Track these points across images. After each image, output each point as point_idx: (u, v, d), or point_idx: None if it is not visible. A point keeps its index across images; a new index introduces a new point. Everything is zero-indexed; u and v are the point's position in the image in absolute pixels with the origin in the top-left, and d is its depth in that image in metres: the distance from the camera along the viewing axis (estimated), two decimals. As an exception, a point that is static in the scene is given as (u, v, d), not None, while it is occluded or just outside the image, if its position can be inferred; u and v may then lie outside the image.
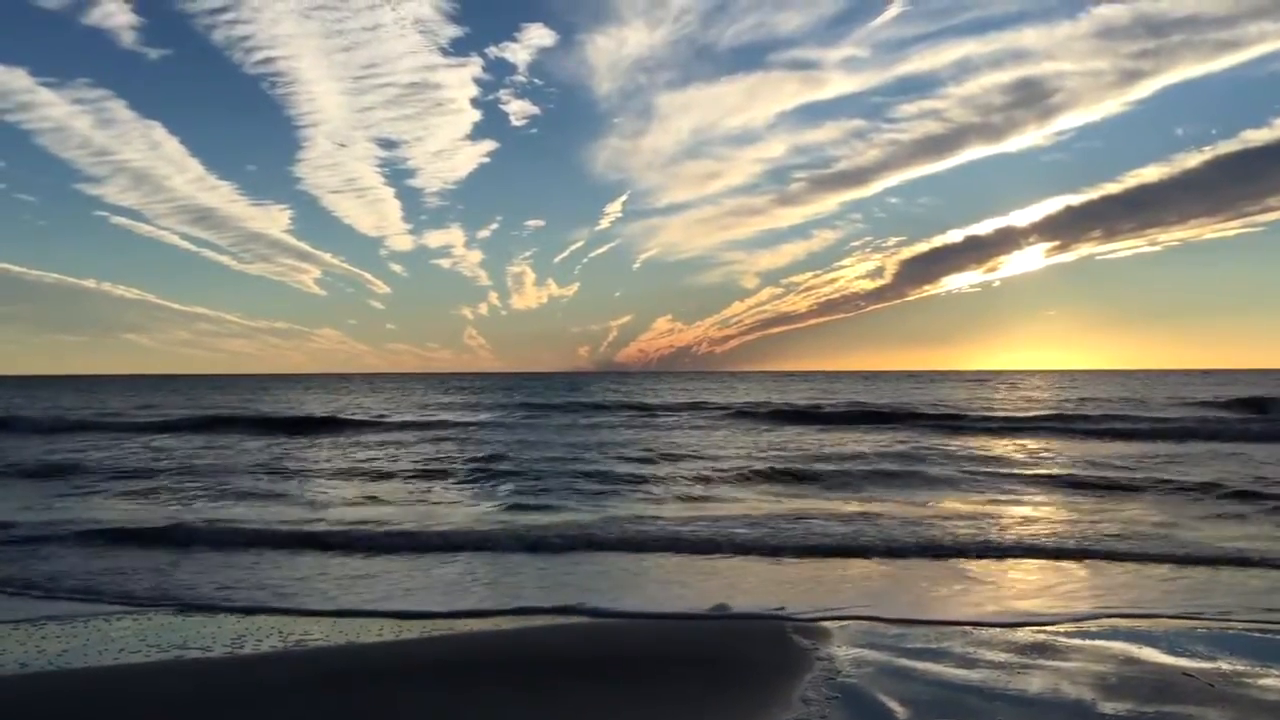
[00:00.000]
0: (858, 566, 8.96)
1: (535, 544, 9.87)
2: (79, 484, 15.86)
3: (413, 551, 9.67)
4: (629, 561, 9.23)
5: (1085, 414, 31.67)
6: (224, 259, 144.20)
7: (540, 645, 6.29)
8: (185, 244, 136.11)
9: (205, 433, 27.99)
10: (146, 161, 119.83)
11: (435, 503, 13.79)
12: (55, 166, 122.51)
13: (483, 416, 36.62)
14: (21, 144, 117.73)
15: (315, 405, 45.82)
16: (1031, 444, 22.90)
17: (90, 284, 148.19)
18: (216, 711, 4.88)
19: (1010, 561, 9.15)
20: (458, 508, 13.22)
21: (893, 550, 9.56)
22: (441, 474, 17.32)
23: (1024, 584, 8.16)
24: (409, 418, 35.12)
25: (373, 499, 14.07)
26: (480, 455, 20.40)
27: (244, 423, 31.09)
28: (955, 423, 29.51)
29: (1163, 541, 9.96)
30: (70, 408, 42.75)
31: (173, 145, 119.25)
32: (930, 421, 29.82)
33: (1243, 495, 13.27)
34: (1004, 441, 23.67)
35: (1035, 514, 12.20)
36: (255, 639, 6.33)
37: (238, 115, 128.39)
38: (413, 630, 6.64)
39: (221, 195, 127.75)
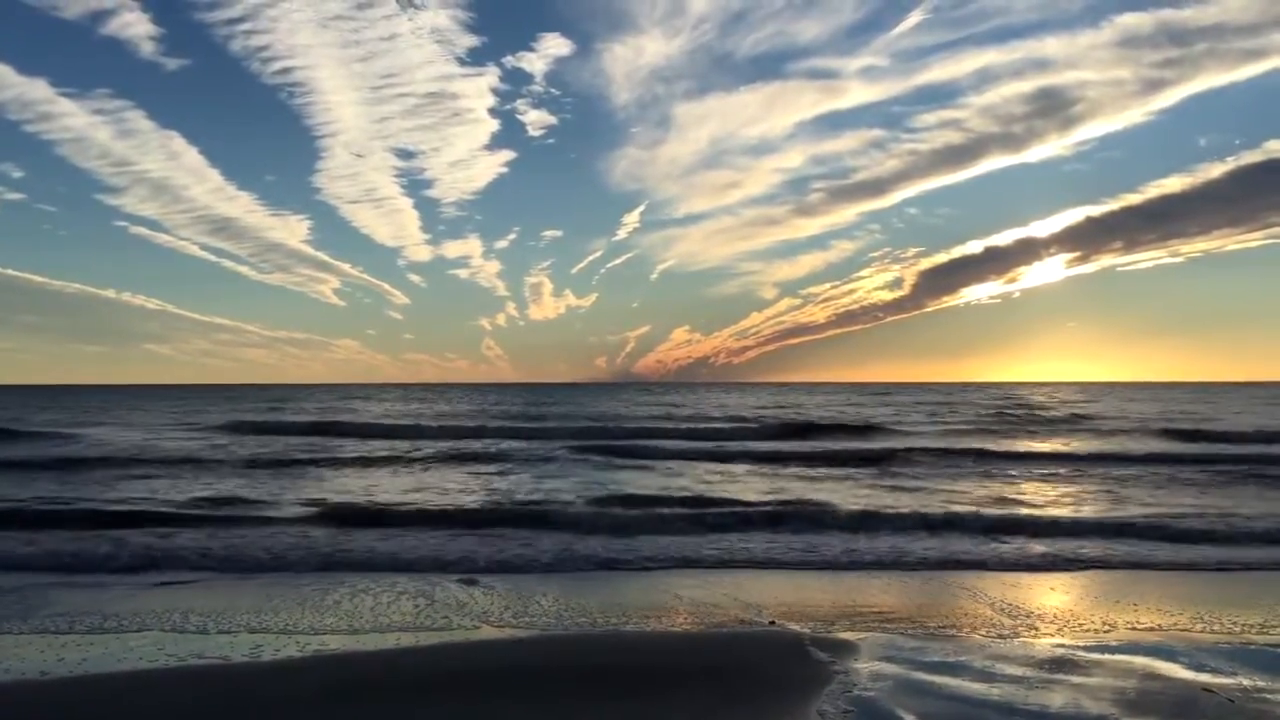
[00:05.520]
0: (875, 581, 8.94)
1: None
2: None
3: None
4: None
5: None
6: (243, 269, 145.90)
7: (557, 656, 6.30)
8: (204, 254, 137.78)
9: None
10: (166, 171, 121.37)
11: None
12: (75, 176, 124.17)
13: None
14: (42, 154, 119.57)
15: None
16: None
17: (110, 294, 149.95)
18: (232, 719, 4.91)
19: (1031, 575, 9.11)
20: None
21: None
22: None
23: (1044, 598, 8.12)
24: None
25: None
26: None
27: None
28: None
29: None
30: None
31: (192, 155, 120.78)
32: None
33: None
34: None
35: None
36: (273, 647, 6.35)
37: (256, 125, 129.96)
38: (429, 639, 6.66)
39: (240, 205, 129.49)
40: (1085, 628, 6.91)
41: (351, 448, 24.88)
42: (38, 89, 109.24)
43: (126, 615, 7.26)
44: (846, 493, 15.54)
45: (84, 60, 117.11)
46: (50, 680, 5.65)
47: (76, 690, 5.46)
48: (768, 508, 13.00)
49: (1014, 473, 18.94)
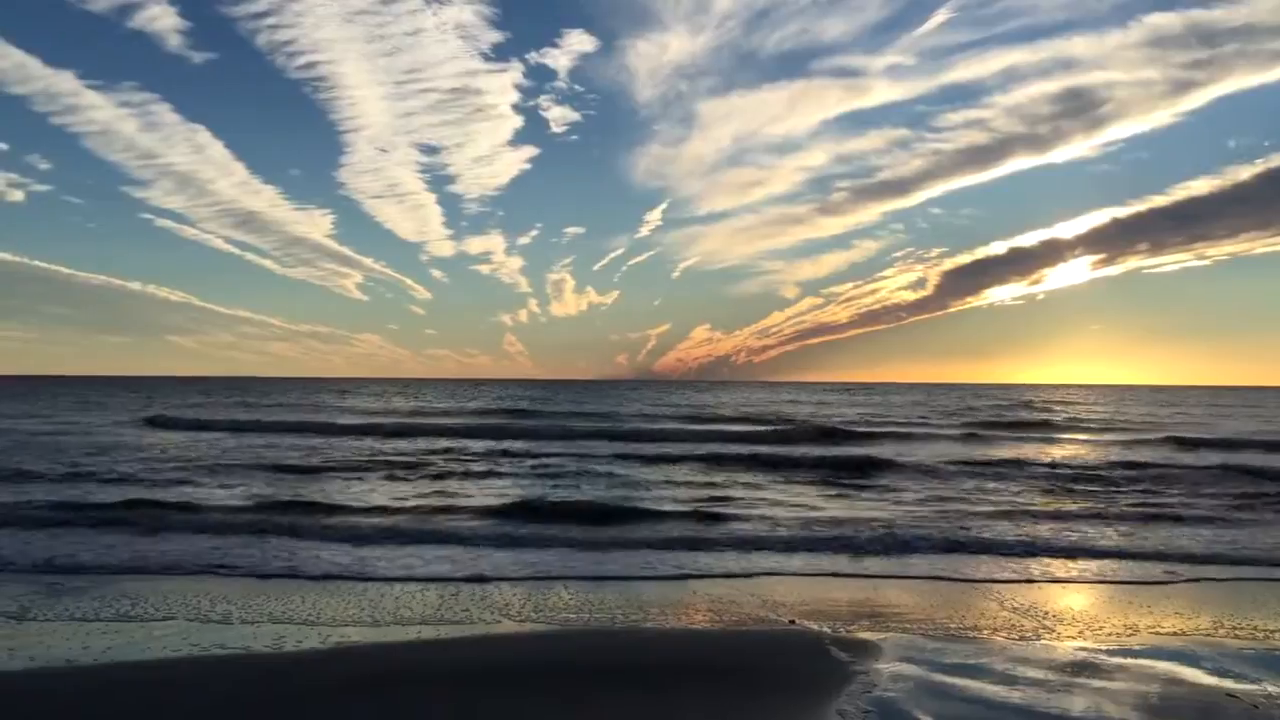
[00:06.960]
0: (897, 582, 8.92)
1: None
2: None
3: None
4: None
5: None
6: (267, 263, 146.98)
7: (577, 653, 6.33)
8: (229, 247, 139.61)
9: None
10: (191, 165, 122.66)
11: None
12: (102, 169, 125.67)
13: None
14: (69, 146, 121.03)
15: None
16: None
17: (136, 286, 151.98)
18: (253, 710, 4.97)
19: (1053, 577, 9.06)
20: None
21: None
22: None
23: (1064, 601, 8.07)
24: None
25: None
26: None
27: None
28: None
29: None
30: None
31: (217, 149, 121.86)
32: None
33: None
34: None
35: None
36: (295, 639, 6.41)
37: (281, 119, 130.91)
38: (450, 634, 6.71)
39: (265, 199, 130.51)
40: (1106, 632, 6.86)
41: (259, 446, 23.43)
42: (65, 81, 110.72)
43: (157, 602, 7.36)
44: (779, 494, 15.54)
45: (111, 53, 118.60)
46: (75, 668, 5.75)
47: (100, 678, 5.55)
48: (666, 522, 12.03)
49: (973, 479, 18.82)
